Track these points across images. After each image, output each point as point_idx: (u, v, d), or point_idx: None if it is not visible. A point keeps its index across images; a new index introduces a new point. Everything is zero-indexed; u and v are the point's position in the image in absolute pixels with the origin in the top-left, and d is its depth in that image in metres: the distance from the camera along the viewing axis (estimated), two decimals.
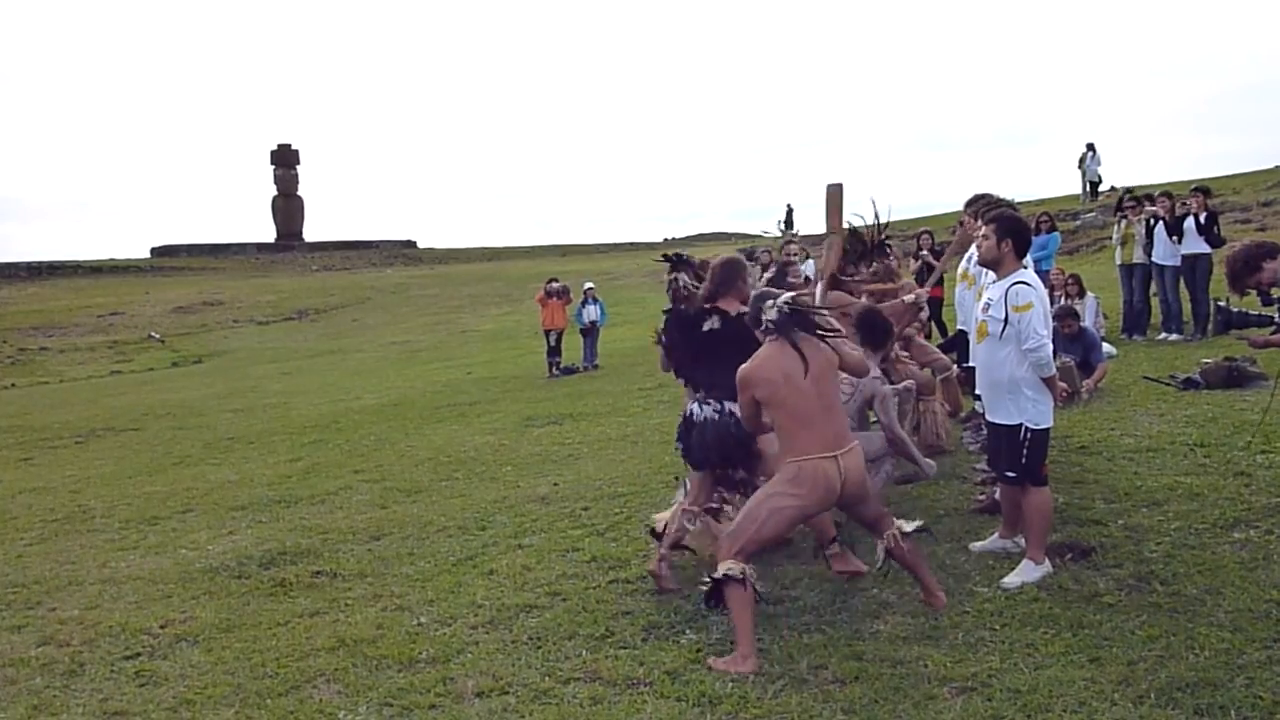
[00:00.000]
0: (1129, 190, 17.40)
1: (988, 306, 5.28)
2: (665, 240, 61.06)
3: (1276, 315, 6.05)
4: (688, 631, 5.06)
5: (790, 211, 32.14)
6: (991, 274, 5.69)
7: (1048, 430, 5.27)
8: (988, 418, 5.48)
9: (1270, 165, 32.26)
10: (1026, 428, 5.19)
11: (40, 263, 52.95)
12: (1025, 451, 5.20)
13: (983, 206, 6.59)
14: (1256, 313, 6.10)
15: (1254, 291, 5.91)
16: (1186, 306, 12.91)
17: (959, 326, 7.82)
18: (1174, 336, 12.30)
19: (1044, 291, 5.35)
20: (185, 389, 21.64)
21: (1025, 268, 5.32)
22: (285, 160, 61.48)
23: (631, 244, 57.45)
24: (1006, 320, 5.14)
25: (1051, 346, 5.23)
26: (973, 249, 7.47)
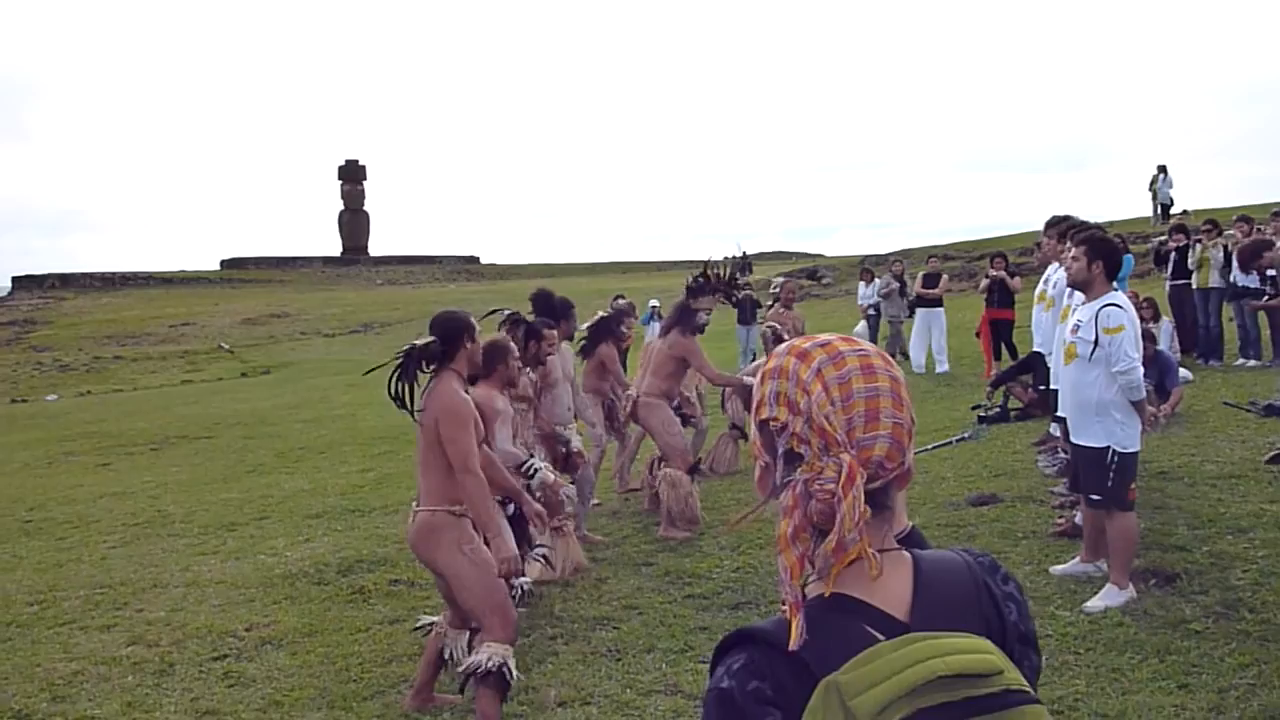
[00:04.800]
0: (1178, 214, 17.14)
1: (1077, 328, 5.24)
2: (725, 259, 60.95)
3: (1271, 288, 8.58)
4: None
5: (745, 256, 32.57)
6: (1077, 295, 5.67)
7: (1136, 454, 5.22)
8: (1073, 440, 5.43)
9: None
10: (1114, 451, 5.14)
11: (114, 273, 54.19)
12: (1112, 475, 5.15)
13: (1067, 228, 6.54)
14: None
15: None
16: (1265, 332, 12.67)
17: (1035, 348, 7.75)
18: (1251, 362, 12.08)
19: (1135, 314, 5.30)
20: (255, 399, 22.01)
21: (1115, 290, 5.29)
22: (352, 176, 62.38)
23: (689, 261, 57.48)
24: (1096, 342, 5.10)
25: (1142, 370, 5.19)
26: (1049, 271, 7.46)
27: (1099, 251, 5.26)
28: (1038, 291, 7.77)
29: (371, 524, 8.75)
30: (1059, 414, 6.22)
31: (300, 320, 39.89)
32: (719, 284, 7.93)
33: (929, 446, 9.25)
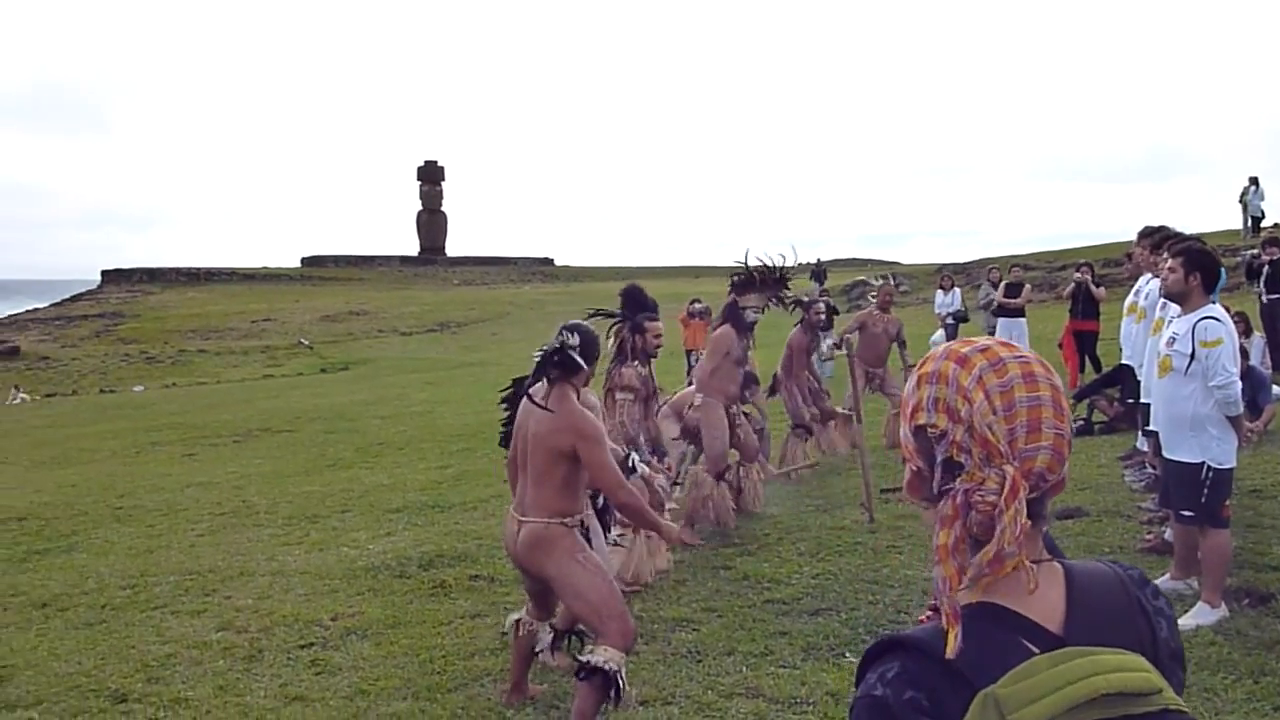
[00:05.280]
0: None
1: (1173, 340, 5.15)
2: (798, 265, 60.64)
3: None
4: (847, 654, 5.05)
5: (820, 263, 32.65)
6: (1172, 307, 5.57)
7: (1231, 470, 5.12)
8: (1166, 455, 5.34)
9: None
10: (1209, 466, 5.04)
11: (198, 269, 55.53)
12: (1206, 491, 5.05)
13: (1161, 239, 6.43)
14: None
15: None
16: None
17: (1124, 361, 7.62)
18: None
19: (1233, 328, 5.20)
20: (334, 394, 22.40)
21: (1212, 302, 5.19)
22: (431, 177, 63.23)
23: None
24: (1193, 356, 5.01)
25: (1240, 385, 5.08)
26: (1141, 283, 7.33)
27: (1197, 263, 5.17)
28: (1128, 303, 7.63)
29: (451, 520, 8.87)
30: (1148, 428, 6.11)
31: (378, 318, 40.53)
32: (767, 281, 7.84)
33: None
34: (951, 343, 1.31)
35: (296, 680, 5.24)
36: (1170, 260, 5.25)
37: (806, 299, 10.38)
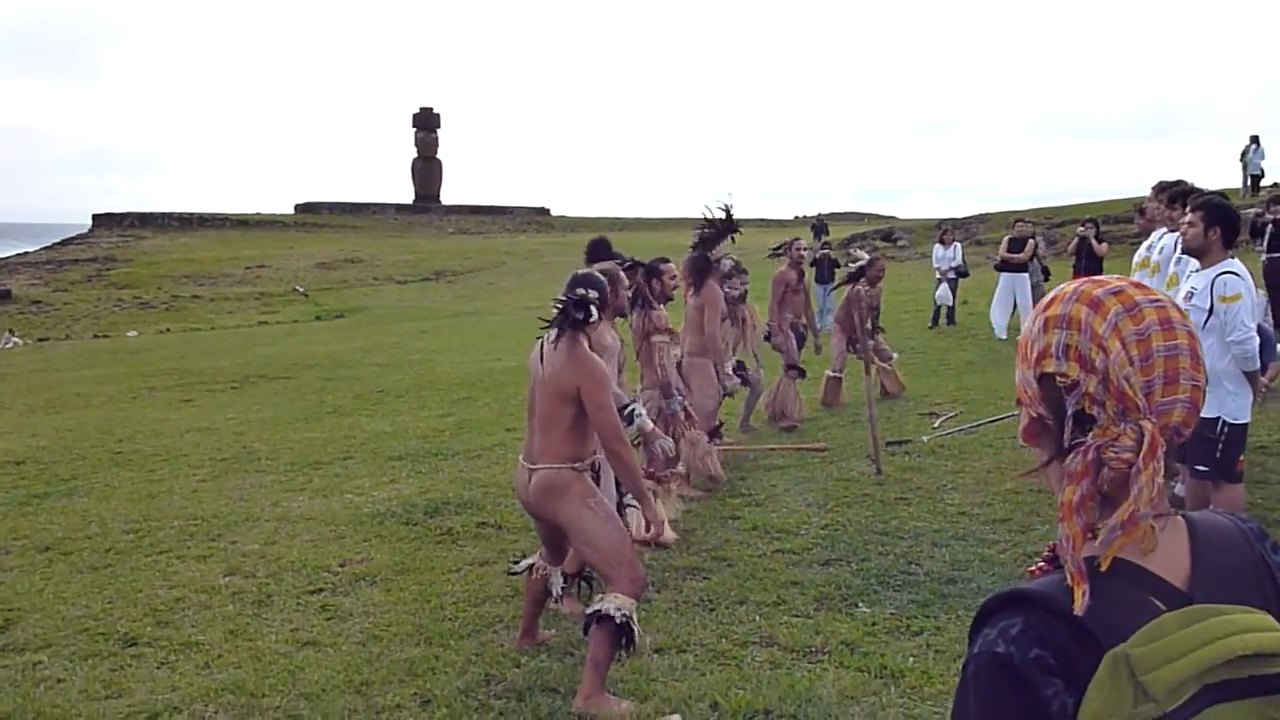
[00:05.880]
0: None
1: (1191, 295, 5.11)
2: (795, 218, 60.52)
3: None
4: (860, 604, 5.06)
5: (820, 218, 32.70)
6: (1190, 261, 5.53)
7: (1246, 425, 5.11)
8: None
9: None
10: (1225, 421, 5.03)
11: (191, 214, 55.09)
12: (1221, 446, 5.04)
13: (1177, 193, 6.37)
14: None
15: None
16: None
17: None
18: None
19: (1252, 283, 5.16)
20: (330, 342, 22.31)
21: (1231, 257, 5.14)
22: (426, 124, 62.66)
23: (762, 220, 57.08)
24: (1211, 310, 4.98)
25: (1258, 340, 5.05)
26: (1154, 237, 7.28)
27: (1217, 217, 5.11)
28: (1140, 258, 7.58)
29: (455, 467, 8.85)
30: None
31: (373, 266, 40.33)
32: (723, 226, 7.88)
33: (1014, 412, 9.11)
34: (1080, 283, 1.22)
35: (307, 625, 5.23)
36: (1190, 215, 5.20)
37: (788, 240, 10.66)
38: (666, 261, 6.78)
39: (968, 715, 1.14)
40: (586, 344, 4.51)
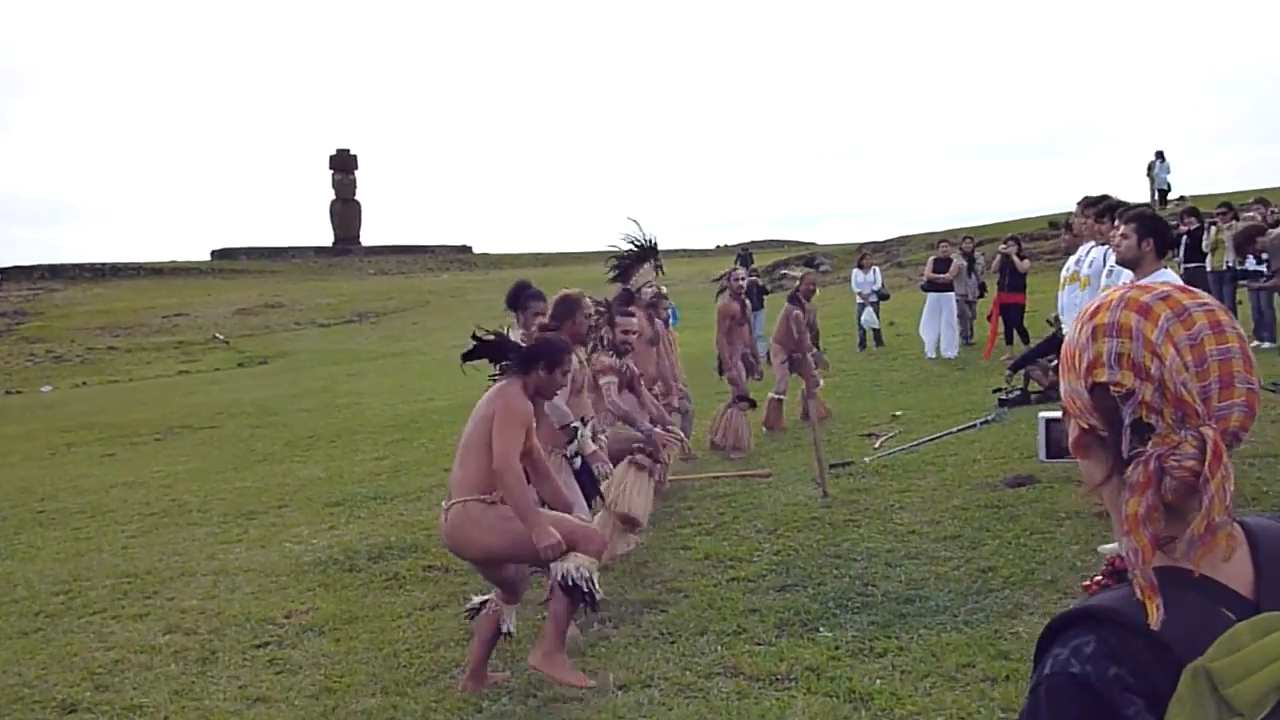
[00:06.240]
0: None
1: None
2: (718, 248, 60.99)
3: (1265, 269, 9.40)
4: (821, 629, 5.02)
5: (745, 249, 33.56)
6: (1122, 273, 5.64)
7: None
8: None
9: None
10: None
11: (103, 264, 53.80)
12: None
13: (1106, 207, 6.50)
14: None
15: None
16: None
17: (1067, 329, 7.70)
18: (1265, 345, 12.09)
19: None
20: (255, 389, 21.90)
21: (1165, 267, 5.25)
22: (343, 165, 62.06)
23: (685, 250, 57.42)
24: None
25: None
26: (1082, 251, 7.42)
27: (1149, 229, 5.23)
28: (1068, 272, 7.71)
29: (395, 511, 8.69)
30: None
31: (294, 310, 39.75)
32: (640, 253, 7.89)
33: (953, 429, 9.22)
34: (1125, 289, 1.19)
35: (256, 681, 5.06)
36: (1123, 227, 5.31)
37: (725, 271, 10.71)
38: (630, 316, 6.76)
39: None
40: (521, 386, 4.65)
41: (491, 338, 4.86)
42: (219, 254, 59.62)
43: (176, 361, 30.80)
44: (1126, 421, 1.12)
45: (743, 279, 10.62)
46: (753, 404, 10.09)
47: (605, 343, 6.60)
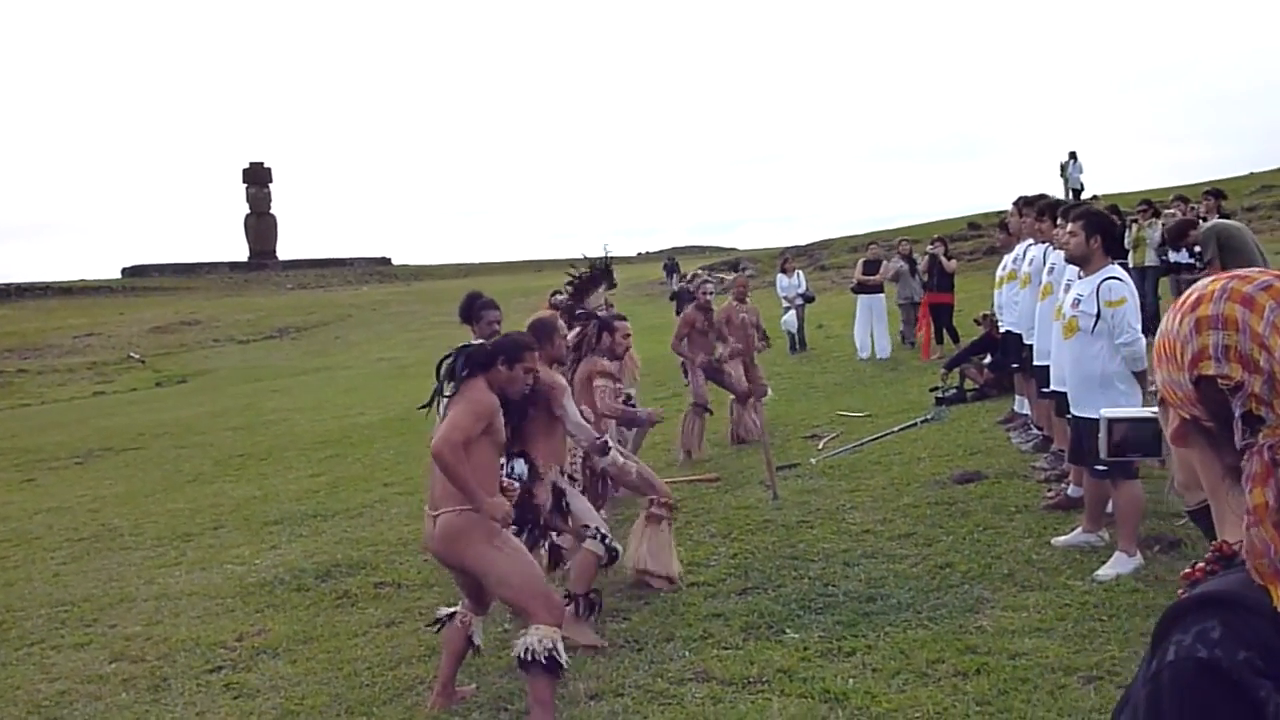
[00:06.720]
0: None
1: (1078, 302, 5.30)
2: (639, 255, 61.13)
3: (1198, 262, 9.70)
4: (787, 631, 5.03)
5: (673, 258, 34.02)
6: (1065, 270, 5.76)
7: None
8: (1075, 412, 5.49)
9: (1245, 172, 32.76)
10: None
11: (8, 284, 52.18)
12: None
13: (1046, 205, 6.62)
14: None
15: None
16: None
17: (1007, 327, 7.82)
18: None
19: (1134, 287, 5.38)
20: (177, 408, 21.35)
21: (1112, 263, 5.36)
22: (258, 178, 61.01)
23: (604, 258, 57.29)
24: (1099, 315, 5.17)
25: (1144, 340, 5.27)
26: (1020, 249, 7.55)
27: (1097, 226, 5.33)
28: (1005, 270, 7.86)
29: (338, 528, 8.52)
30: (1047, 389, 6.28)
31: (212, 327, 38.89)
32: (596, 272, 7.82)
33: (894, 429, 9.32)
34: (1226, 280, 1.19)
35: (214, 707, 4.91)
36: (1071, 225, 5.40)
37: (694, 282, 10.51)
38: (623, 320, 6.71)
39: None
40: (485, 383, 4.58)
41: (449, 355, 4.74)
42: (130, 271, 58.22)
43: (91, 382, 29.90)
44: (1237, 414, 1.12)
45: (710, 293, 10.45)
46: (710, 411, 10.07)
47: (602, 348, 6.51)
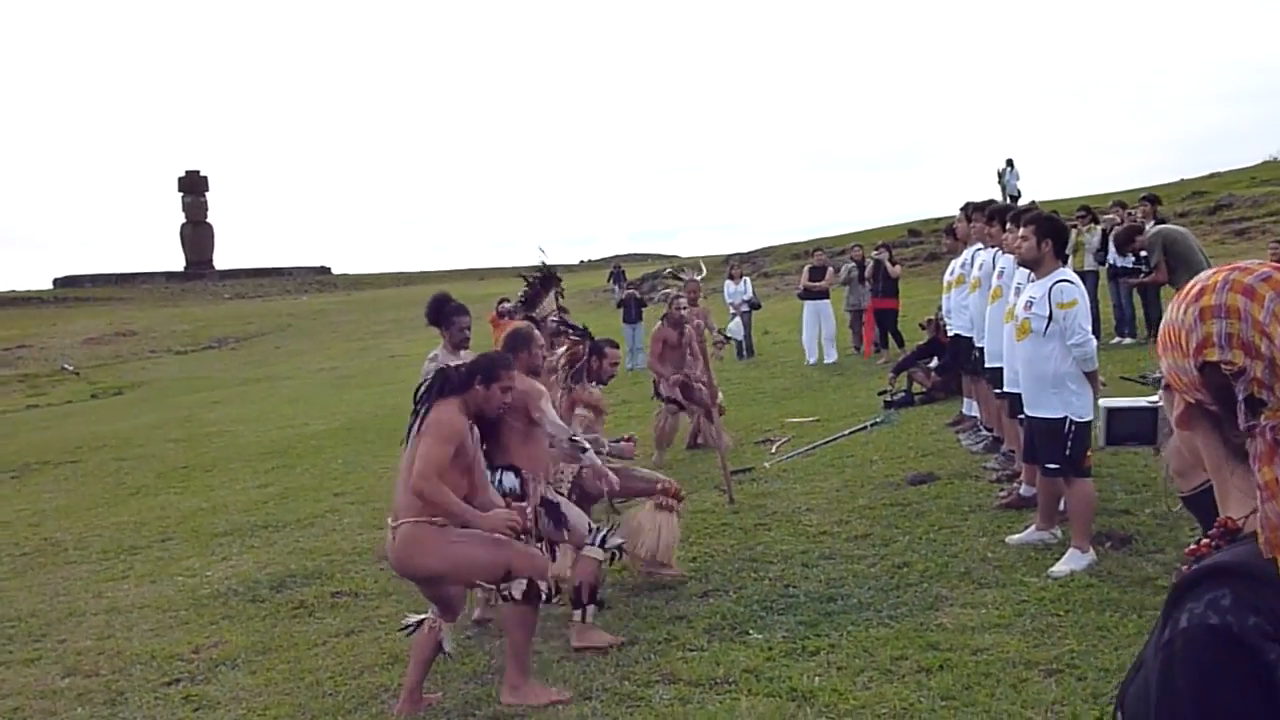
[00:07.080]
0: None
1: (1030, 304, 5.42)
2: (581, 263, 61.12)
3: (1144, 266, 10.28)
4: (751, 631, 5.07)
5: (618, 266, 34.42)
6: (1015, 274, 5.89)
7: (1090, 422, 5.42)
8: (1029, 413, 5.60)
9: (1176, 179, 33.51)
10: (1071, 420, 5.33)
11: None
12: (1070, 443, 5.34)
13: (994, 211, 6.75)
14: None
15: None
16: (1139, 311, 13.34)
17: (956, 331, 7.94)
18: (1127, 340, 12.72)
19: (1085, 289, 5.51)
20: (114, 420, 20.98)
21: (1063, 266, 5.48)
22: (194, 187, 60.14)
23: (543, 267, 57.18)
24: (1051, 317, 5.28)
25: (1095, 341, 5.39)
26: (968, 254, 7.68)
27: (1048, 230, 5.46)
28: (953, 275, 7.98)
29: (290, 538, 8.43)
30: (1001, 391, 6.40)
31: (148, 338, 38.27)
32: (543, 282, 7.79)
33: (845, 432, 9.43)
34: (1227, 271, 1.25)
35: None
36: (1022, 229, 5.52)
37: (669, 296, 10.51)
38: (615, 347, 6.68)
39: (1178, 695, 1.12)
40: (459, 404, 4.62)
41: (428, 382, 4.77)
42: (62, 282, 57.06)
43: (23, 395, 29.27)
44: (1240, 398, 1.18)
45: (684, 306, 10.39)
46: (680, 406, 10.05)
47: (588, 372, 6.45)
